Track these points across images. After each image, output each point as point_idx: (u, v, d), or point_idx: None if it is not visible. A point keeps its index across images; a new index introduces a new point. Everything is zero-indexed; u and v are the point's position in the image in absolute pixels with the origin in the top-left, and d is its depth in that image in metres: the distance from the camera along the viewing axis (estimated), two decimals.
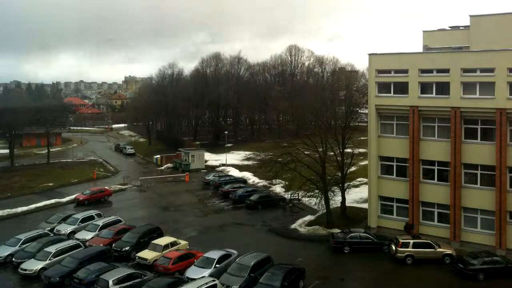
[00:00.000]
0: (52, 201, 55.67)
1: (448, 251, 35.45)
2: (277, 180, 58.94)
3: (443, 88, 37.42)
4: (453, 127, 36.77)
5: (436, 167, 38.50)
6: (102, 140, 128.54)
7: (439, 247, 35.65)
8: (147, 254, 35.59)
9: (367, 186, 44.34)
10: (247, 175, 69.52)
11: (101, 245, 37.38)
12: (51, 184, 65.70)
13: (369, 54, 40.83)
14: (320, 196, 45.25)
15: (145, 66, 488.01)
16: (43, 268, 33.50)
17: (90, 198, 55.16)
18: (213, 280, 29.46)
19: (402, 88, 39.33)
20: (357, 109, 56.18)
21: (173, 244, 36.96)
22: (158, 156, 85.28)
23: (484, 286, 31.84)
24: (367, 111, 44.38)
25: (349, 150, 47.47)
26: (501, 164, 35.05)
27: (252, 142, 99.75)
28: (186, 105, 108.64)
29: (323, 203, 45.13)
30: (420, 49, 43.44)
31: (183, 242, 38.18)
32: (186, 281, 30.06)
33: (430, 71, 37.98)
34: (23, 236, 38.49)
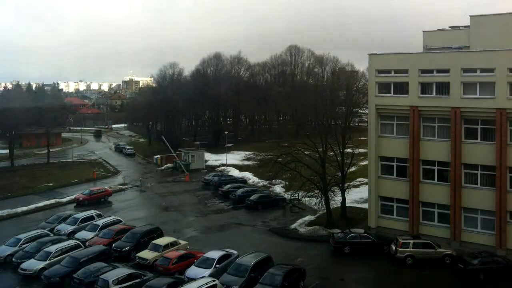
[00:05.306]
0: (52, 201, 55.70)
1: (448, 251, 35.44)
2: (277, 180, 58.92)
3: (443, 88, 37.39)
4: (453, 127, 36.74)
5: (436, 167, 38.45)
6: (102, 140, 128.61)
7: (439, 247, 35.63)
8: (147, 254, 35.56)
9: (367, 186, 44.33)
10: (247, 175, 69.47)
11: (101, 245, 37.36)
12: (51, 184, 65.66)
13: (369, 54, 40.80)
14: (320, 196, 45.24)
15: (145, 66, 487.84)
16: (43, 268, 33.47)
17: (90, 198, 55.13)
18: (213, 280, 29.45)
19: (402, 88, 39.30)
20: (357, 109, 56.25)
21: (173, 244, 36.94)
22: (158, 156, 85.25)
23: (484, 287, 31.82)
24: (367, 111, 44.37)
25: (349, 150, 47.47)
26: (501, 164, 35.00)
27: (252, 142, 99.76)
28: (186, 105, 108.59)
29: (323, 203, 45.11)
30: (420, 49, 43.42)
31: (183, 242, 38.16)
32: (186, 281, 30.05)
33: (430, 71, 37.95)
34: (23, 236, 38.46)
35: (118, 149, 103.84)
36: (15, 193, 59.99)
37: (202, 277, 30.86)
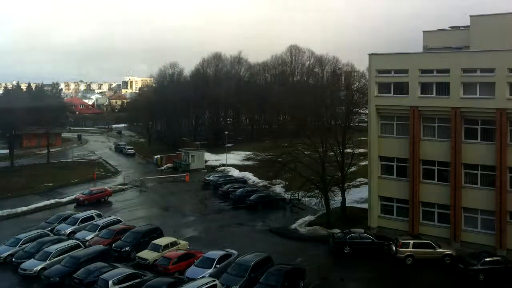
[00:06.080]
0: (52, 201, 55.70)
1: (448, 251, 35.44)
2: (277, 180, 58.90)
3: (443, 88, 37.40)
4: (453, 127, 36.74)
5: (436, 167, 38.45)
6: (102, 140, 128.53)
7: (439, 247, 35.64)
8: (147, 254, 35.57)
9: (367, 186, 44.30)
10: (247, 175, 69.45)
11: (101, 245, 37.36)
12: (51, 184, 65.62)
13: (370, 54, 40.80)
14: (320, 196, 45.25)
15: (145, 66, 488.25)
16: (43, 268, 33.46)
17: (90, 198, 55.13)
18: (213, 280, 29.45)
19: (402, 88, 39.32)
20: (357, 109, 56.22)
21: (173, 244, 36.95)
22: (158, 156, 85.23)
23: (484, 287, 31.84)
24: (367, 111, 44.37)
25: (349, 150, 47.45)
26: (501, 164, 35.01)
27: (252, 142, 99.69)
28: (186, 105, 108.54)
29: (323, 203, 45.13)
30: (420, 49, 43.42)
31: (183, 242, 38.17)
32: (186, 281, 30.04)
33: (430, 71, 37.96)
34: (23, 236, 38.46)
35: (118, 149, 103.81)
36: (15, 193, 59.94)
37: (202, 277, 30.87)
